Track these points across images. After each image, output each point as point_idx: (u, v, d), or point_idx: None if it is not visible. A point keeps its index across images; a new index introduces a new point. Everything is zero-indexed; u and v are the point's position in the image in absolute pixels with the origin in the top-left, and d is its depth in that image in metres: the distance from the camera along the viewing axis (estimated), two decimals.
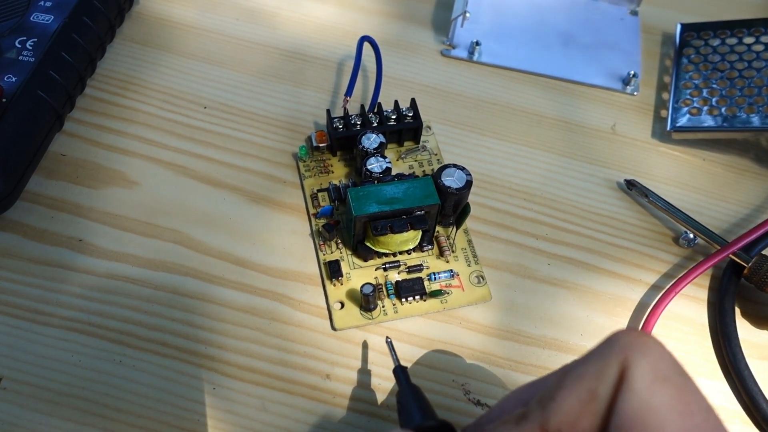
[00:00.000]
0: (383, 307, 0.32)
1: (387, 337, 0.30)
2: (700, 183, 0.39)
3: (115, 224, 0.34)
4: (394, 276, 0.33)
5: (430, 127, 0.39)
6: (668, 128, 0.40)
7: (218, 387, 0.30)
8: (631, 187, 0.37)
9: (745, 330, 0.34)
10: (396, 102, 0.37)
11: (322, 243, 0.34)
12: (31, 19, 0.36)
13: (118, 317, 0.31)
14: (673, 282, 0.33)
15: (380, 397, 0.30)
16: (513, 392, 0.23)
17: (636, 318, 0.34)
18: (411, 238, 0.33)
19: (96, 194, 0.35)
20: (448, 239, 0.34)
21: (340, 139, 0.36)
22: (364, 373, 0.31)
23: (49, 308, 0.31)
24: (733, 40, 0.42)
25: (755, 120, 0.38)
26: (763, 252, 0.34)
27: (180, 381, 0.30)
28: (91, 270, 0.33)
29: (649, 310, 0.33)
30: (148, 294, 0.32)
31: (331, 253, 0.34)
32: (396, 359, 0.29)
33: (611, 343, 0.18)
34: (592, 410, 0.18)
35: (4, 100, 0.33)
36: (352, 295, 0.32)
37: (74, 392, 0.29)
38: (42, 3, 0.36)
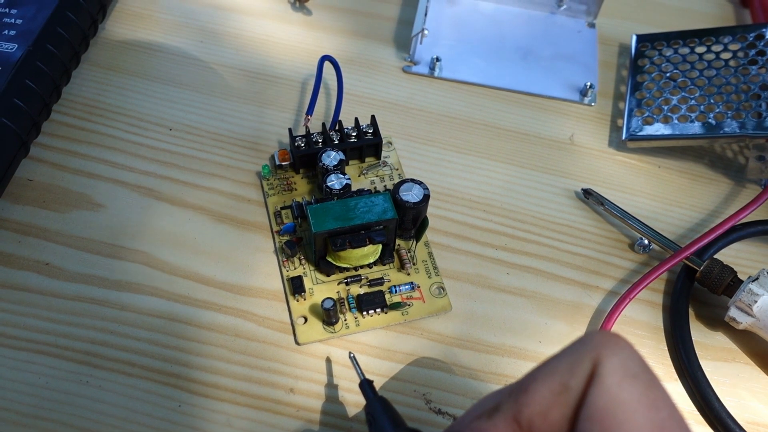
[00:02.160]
0: (345, 320, 0.33)
1: (350, 353, 0.31)
2: (656, 190, 0.40)
3: (81, 247, 0.35)
4: (357, 290, 0.34)
5: (391, 143, 0.40)
6: (624, 137, 0.41)
7: (183, 404, 0.31)
8: (588, 195, 0.38)
9: (698, 332, 0.34)
10: (356, 119, 0.37)
11: (285, 259, 0.35)
12: None
13: (85, 338, 0.32)
14: (627, 288, 0.34)
15: (344, 410, 0.31)
16: (480, 399, 0.23)
17: (594, 324, 0.35)
18: (371, 252, 0.33)
19: (62, 218, 0.36)
20: (409, 252, 0.35)
21: (302, 157, 0.37)
22: (328, 386, 0.32)
23: (15, 331, 0.32)
24: (685, 50, 0.43)
25: (708, 127, 0.39)
26: (715, 256, 0.35)
27: (146, 399, 0.31)
28: (58, 293, 0.33)
29: (605, 316, 0.34)
30: (114, 315, 0.33)
31: (294, 269, 0.34)
32: (361, 373, 0.29)
33: (584, 341, 0.20)
34: (563, 402, 0.19)
35: None
36: (315, 309, 0.33)
37: (42, 414, 0.30)
38: (6, 32, 0.37)
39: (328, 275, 0.34)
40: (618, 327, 0.34)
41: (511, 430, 0.19)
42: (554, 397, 0.19)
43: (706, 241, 0.35)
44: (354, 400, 0.31)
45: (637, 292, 0.34)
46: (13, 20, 0.38)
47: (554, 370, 0.19)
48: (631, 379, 0.18)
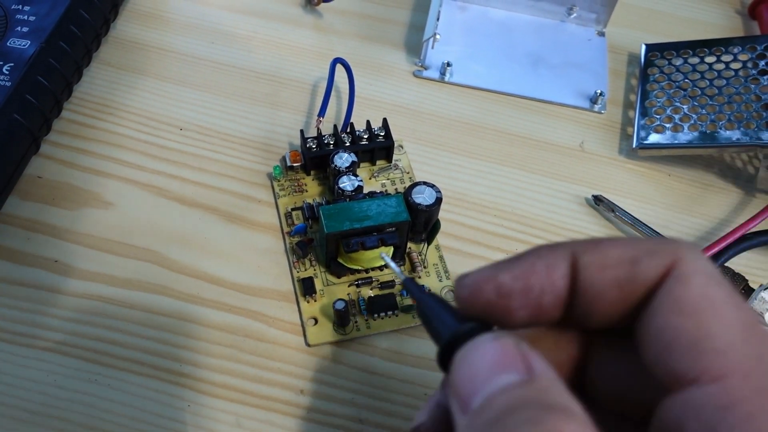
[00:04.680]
0: (356, 322, 0.33)
1: (381, 253, 0.28)
2: (666, 198, 0.40)
3: (90, 245, 0.34)
4: (367, 292, 0.34)
5: (402, 146, 0.40)
6: (634, 146, 0.41)
7: (193, 404, 0.30)
8: (598, 202, 0.38)
9: None
10: (368, 122, 0.37)
11: (295, 260, 0.34)
12: (8, 44, 0.36)
13: (94, 337, 0.32)
14: None
15: (354, 411, 0.31)
16: None
17: None
18: None
19: (72, 215, 0.35)
20: (420, 255, 0.35)
21: (314, 158, 0.37)
22: (338, 387, 0.31)
23: (24, 328, 0.32)
24: (695, 60, 0.43)
25: (718, 136, 0.39)
26: (726, 264, 0.35)
27: (155, 399, 0.30)
28: (67, 290, 0.33)
29: None
30: (124, 313, 0.32)
31: (305, 270, 0.34)
32: (400, 272, 0.24)
33: (665, 240, 0.20)
34: (628, 271, 0.18)
35: None
36: (325, 311, 0.33)
37: (50, 412, 0.30)
38: (19, 28, 0.37)
39: (339, 277, 0.34)
40: None
41: (565, 264, 0.19)
42: (621, 262, 0.18)
43: (717, 249, 0.35)
44: (365, 403, 0.31)
45: None
46: (26, 17, 0.37)
47: (630, 244, 0.19)
48: (717, 282, 0.18)
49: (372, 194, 0.35)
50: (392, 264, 0.25)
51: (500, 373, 0.16)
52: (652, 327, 0.18)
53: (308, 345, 0.32)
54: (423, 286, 0.24)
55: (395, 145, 0.38)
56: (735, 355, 0.17)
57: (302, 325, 0.33)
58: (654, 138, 0.41)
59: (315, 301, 0.33)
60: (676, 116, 0.41)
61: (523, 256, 0.19)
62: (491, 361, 0.17)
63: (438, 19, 0.43)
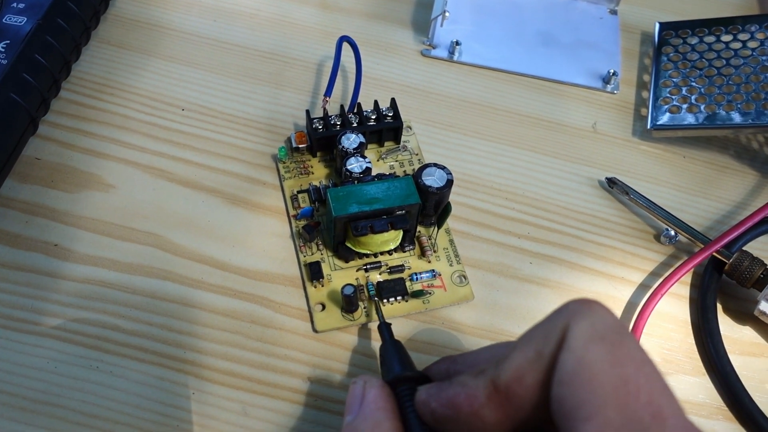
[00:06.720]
0: (365, 308, 0.32)
1: (374, 297, 0.31)
2: (681, 180, 0.39)
3: (91, 228, 0.33)
4: (376, 277, 0.33)
5: (410, 127, 0.39)
6: (648, 126, 0.40)
7: (198, 392, 0.29)
8: (612, 185, 0.37)
9: (727, 326, 0.34)
10: (376, 102, 0.36)
11: (302, 244, 0.33)
12: (4, 21, 0.35)
13: (95, 323, 0.31)
14: (658, 282, 0.33)
15: None
16: (492, 346, 0.25)
17: (621, 317, 0.34)
18: (392, 238, 0.32)
19: (72, 198, 0.34)
20: (430, 239, 0.34)
21: (320, 139, 0.36)
22: (347, 374, 0.31)
23: (24, 314, 0.31)
24: (711, 38, 0.42)
25: (734, 117, 0.38)
26: (744, 248, 0.35)
27: (159, 386, 0.29)
28: (68, 275, 0.32)
29: (637, 311, 0.33)
30: (126, 298, 0.32)
31: (312, 254, 0.33)
32: (381, 316, 0.30)
33: (559, 310, 0.20)
34: (537, 368, 0.19)
35: None
36: (333, 296, 0.32)
37: (51, 400, 0.29)
38: (15, 5, 0.36)
39: (347, 261, 0.33)
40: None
41: (488, 392, 0.20)
42: (529, 364, 0.20)
43: (737, 233, 0.34)
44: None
45: (670, 286, 0.33)
46: None
47: (531, 338, 0.20)
48: (598, 340, 0.19)
49: (381, 176, 0.34)
50: (379, 311, 0.31)
51: (347, 413, 0.23)
52: (550, 397, 0.19)
53: (315, 331, 0.31)
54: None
55: (404, 126, 0.37)
56: (600, 421, 0.17)
57: (309, 311, 0.32)
58: (668, 119, 0.40)
59: (322, 286, 0.32)
60: (692, 96, 0.40)
61: (453, 383, 0.21)
62: (348, 401, 0.24)
63: None
